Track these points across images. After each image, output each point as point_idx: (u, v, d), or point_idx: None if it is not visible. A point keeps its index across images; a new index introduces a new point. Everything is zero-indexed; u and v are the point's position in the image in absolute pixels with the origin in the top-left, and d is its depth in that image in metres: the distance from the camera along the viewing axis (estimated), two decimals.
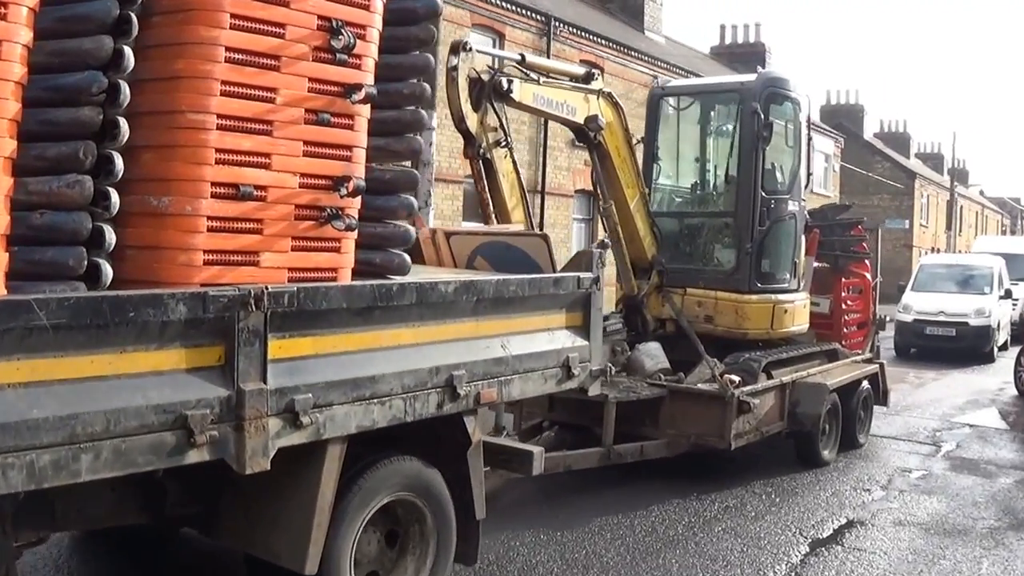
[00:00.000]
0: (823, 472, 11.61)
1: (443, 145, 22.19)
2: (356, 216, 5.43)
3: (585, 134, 10.46)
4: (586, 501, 9.73)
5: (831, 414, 11.86)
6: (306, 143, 5.20)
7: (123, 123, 4.40)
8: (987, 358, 25.03)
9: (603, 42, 29.25)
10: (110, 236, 4.42)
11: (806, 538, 9.07)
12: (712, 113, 13.03)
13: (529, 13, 26.12)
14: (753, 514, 9.73)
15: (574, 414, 10.31)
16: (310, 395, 4.96)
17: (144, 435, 4.23)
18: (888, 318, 15.92)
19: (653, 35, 37.14)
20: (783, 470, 11.43)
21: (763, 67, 41.76)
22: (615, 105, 10.81)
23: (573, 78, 10.40)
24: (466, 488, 6.35)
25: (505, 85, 9.14)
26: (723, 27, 47.46)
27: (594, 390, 7.24)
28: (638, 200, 11.23)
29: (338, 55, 5.23)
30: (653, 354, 10.93)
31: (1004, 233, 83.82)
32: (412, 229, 5.93)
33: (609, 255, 8.54)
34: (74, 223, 4.25)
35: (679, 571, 8.00)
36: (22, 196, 4.13)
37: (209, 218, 4.81)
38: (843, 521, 9.68)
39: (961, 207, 68.19)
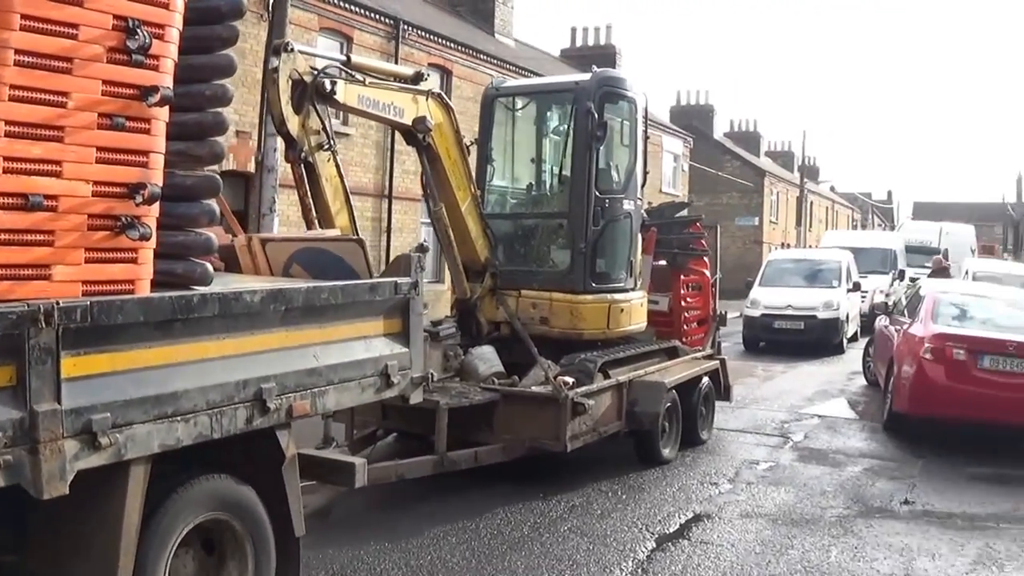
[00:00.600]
0: (670, 468, 11.70)
1: None
2: (152, 225, 5.18)
3: (414, 136, 10.29)
4: (431, 507, 9.66)
5: (671, 412, 11.91)
6: (100, 149, 4.91)
7: None
8: (836, 350, 25.51)
9: (452, 45, 29.21)
10: None
11: (652, 534, 9.15)
12: (547, 113, 12.99)
13: (378, 16, 25.91)
14: (599, 512, 9.78)
15: (408, 422, 10.18)
16: (108, 414, 4.71)
17: None
18: (728, 313, 16.01)
19: (503, 38, 37.22)
20: (630, 468, 11.49)
21: (613, 68, 42.30)
22: (445, 106, 10.65)
23: (401, 79, 10.20)
24: (284, 505, 6.12)
25: (328, 86, 8.92)
26: (574, 29, 47.85)
27: (416, 398, 7.07)
28: (470, 202, 11.11)
29: (134, 56, 4.98)
30: (486, 358, 10.84)
31: (855, 227, 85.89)
32: (214, 237, 5.69)
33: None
34: None
35: (525, 572, 8.03)
36: None
37: None
38: (690, 515, 9.81)
39: (811, 203, 69.76)
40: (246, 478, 5.88)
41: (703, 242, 15.06)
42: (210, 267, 5.66)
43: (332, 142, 9.17)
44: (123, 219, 5.01)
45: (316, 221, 9.07)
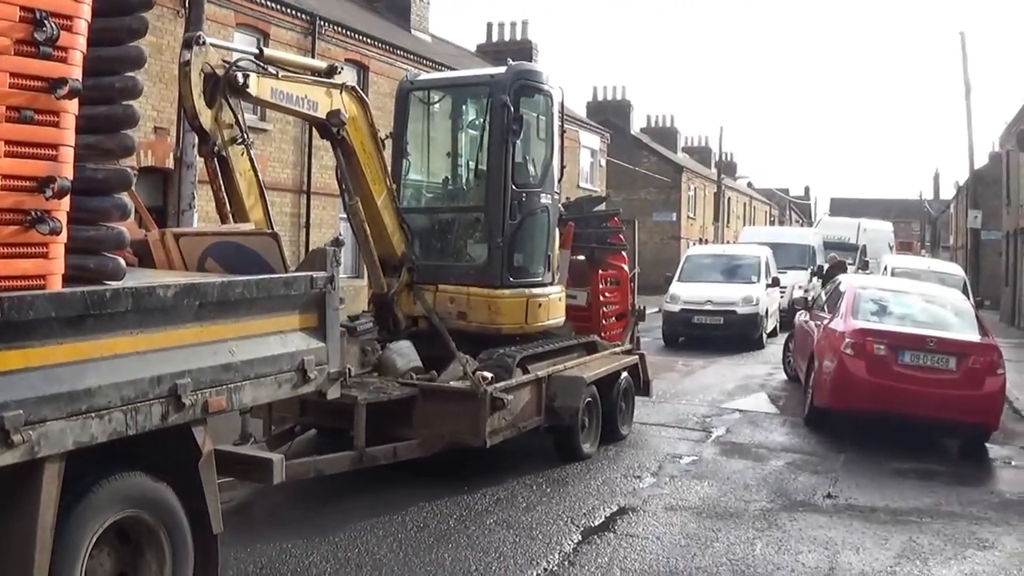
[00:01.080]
0: (593, 462, 11.75)
1: None
2: (63, 219, 5.10)
3: (328, 130, 10.22)
4: (356, 501, 9.64)
5: (590, 407, 11.95)
6: (7, 143, 4.82)
7: None
8: (756, 345, 25.77)
9: (369, 40, 29.02)
10: None
11: (578, 527, 9.16)
12: (462, 107, 12.97)
13: (294, 12, 25.68)
14: (524, 505, 9.80)
15: (326, 417, 10.12)
16: (21, 411, 4.64)
17: None
18: (646, 308, 16.10)
19: (420, 33, 37.11)
20: (553, 462, 11.53)
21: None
22: (360, 100, 10.61)
23: (315, 72, 10.15)
24: (201, 501, 6.04)
25: (240, 80, 8.85)
26: (490, 25, 47.60)
27: (333, 393, 7.03)
28: (385, 196, 11.06)
29: (42, 48, 4.89)
30: (404, 353, 10.81)
31: (773, 223, 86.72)
32: (126, 231, 5.62)
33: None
34: None
35: (452, 565, 8.02)
36: None
37: None
38: (614, 508, 9.84)
39: (729, 198, 70.24)
40: (162, 475, 5.80)
41: (621, 237, 15.17)
42: (122, 262, 5.59)
43: (246, 136, 9.10)
44: (33, 213, 4.92)
45: (231, 215, 8.99)
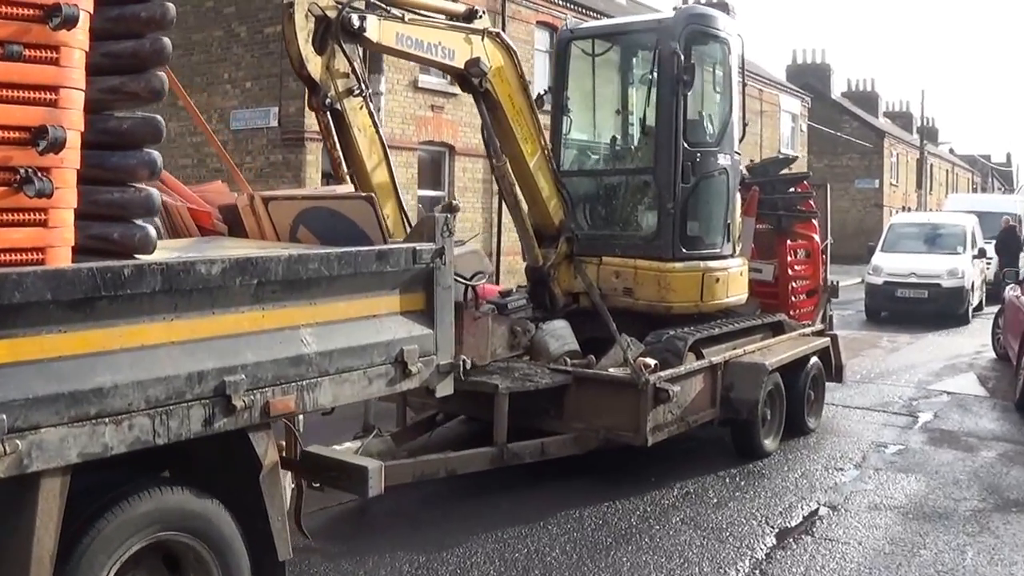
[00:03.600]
0: (793, 450, 10.80)
1: (394, 110, 20.82)
2: (64, 179, 4.09)
3: (468, 80, 9.02)
4: (530, 493, 8.83)
5: (772, 397, 10.50)
6: None
7: None
8: (962, 320, 24.40)
9: (562, 2, 26.80)
10: None
11: (773, 528, 8.32)
12: (627, 56, 11.59)
13: None
14: (715, 501, 8.97)
15: (470, 406, 8.99)
16: (3, 416, 3.77)
17: None
18: (839, 283, 14.59)
19: None
20: None
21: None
22: (506, 47, 9.34)
23: (450, 16, 8.94)
24: (264, 521, 4.99)
25: (356, 23, 7.65)
26: None
27: (443, 389, 5.91)
28: (539, 157, 9.80)
29: None
30: (559, 334, 9.55)
31: (975, 191, 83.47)
32: (156, 193, 4.54)
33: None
34: None
35: (630, 571, 7.23)
36: None
37: None
38: (813, 507, 8.95)
39: (931, 165, 67.63)
40: (211, 490, 4.81)
41: (811, 203, 13.53)
42: (152, 230, 4.50)
43: (364, 87, 7.90)
44: (23, 172, 3.94)
45: (348, 177, 7.86)
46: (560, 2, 27.00)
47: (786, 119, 45.97)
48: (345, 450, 7.31)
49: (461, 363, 6.03)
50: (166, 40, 4.51)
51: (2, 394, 3.81)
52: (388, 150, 8.21)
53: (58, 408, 3.97)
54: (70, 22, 3.96)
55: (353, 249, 5.35)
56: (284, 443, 6.46)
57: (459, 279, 8.37)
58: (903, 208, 58.34)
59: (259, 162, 20.29)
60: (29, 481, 3.97)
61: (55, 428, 3.97)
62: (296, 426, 6.49)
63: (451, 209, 6.23)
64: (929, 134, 68.13)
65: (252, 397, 4.68)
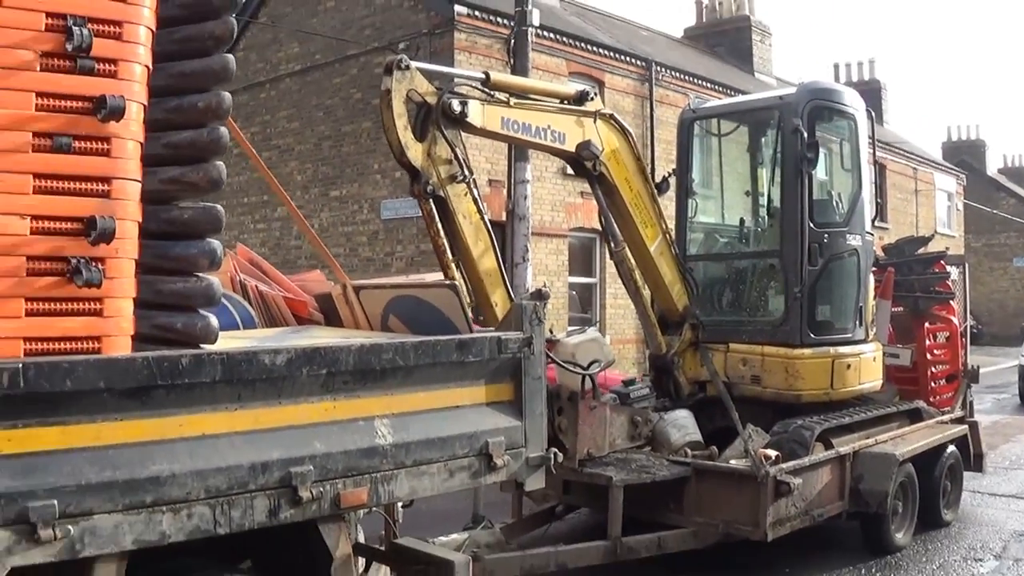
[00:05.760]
0: (931, 540, 10.35)
1: (543, 197, 20.84)
2: (121, 269, 4.05)
3: (581, 164, 8.83)
4: None
5: (904, 488, 9.95)
6: (37, 176, 3.91)
7: None
8: None
9: (709, 85, 26.56)
10: None
11: None
12: (751, 135, 11.28)
13: (630, 59, 24.29)
14: None
15: (587, 497, 8.74)
16: (53, 501, 3.78)
17: None
18: (979, 368, 13.83)
19: (763, 76, 35.09)
20: None
21: (879, 104, 40.08)
22: (620, 129, 9.10)
23: (561, 99, 8.78)
24: None
25: (457, 108, 7.53)
26: (836, 66, 46.01)
27: (533, 483, 5.66)
28: (660, 241, 9.51)
29: (79, 62, 3.91)
30: (681, 424, 9.20)
31: None
32: (217, 282, 4.44)
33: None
34: None
35: None
36: None
37: None
38: None
39: None
40: None
41: (948, 284, 12.93)
42: (214, 320, 4.41)
43: (467, 173, 7.74)
44: (73, 262, 3.90)
45: (453, 265, 7.69)
46: (707, 85, 26.90)
47: (941, 198, 44.75)
48: (444, 543, 7.08)
49: (552, 455, 5.74)
50: (223, 130, 4.47)
51: (53, 480, 3.81)
52: (493, 237, 7.97)
53: (111, 495, 3.95)
54: (116, 113, 3.94)
55: (432, 339, 5.19)
56: (383, 534, 6.31)
57: (574, 368, 8.16)
58: None
59: (409, 251, 20.38)
60: (84, 566, 3.95)
61: (108, 515, 3.94)
62: (395, 516, 6.33)
63: (540, 297, 5.98)
64: None
65: (321, 488, 4.55)
